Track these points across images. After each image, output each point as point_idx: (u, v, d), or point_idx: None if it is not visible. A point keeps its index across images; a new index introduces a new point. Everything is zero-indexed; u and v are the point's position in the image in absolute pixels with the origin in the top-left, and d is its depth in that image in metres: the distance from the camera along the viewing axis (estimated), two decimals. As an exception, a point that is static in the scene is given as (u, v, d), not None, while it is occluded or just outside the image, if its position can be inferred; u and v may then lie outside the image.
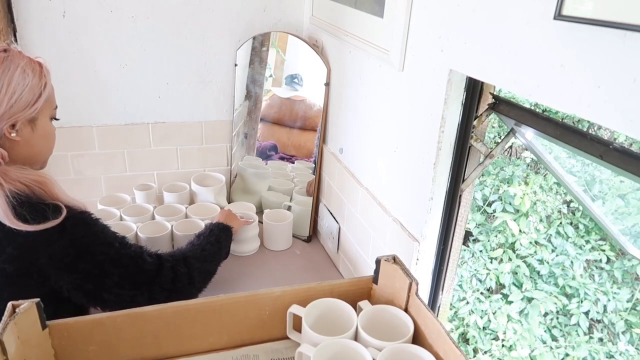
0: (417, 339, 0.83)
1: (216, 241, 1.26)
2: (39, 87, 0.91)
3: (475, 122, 0.97)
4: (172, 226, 1.53)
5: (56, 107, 0.99)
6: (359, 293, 0.93)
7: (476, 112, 0.97)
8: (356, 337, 0.84)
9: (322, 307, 0.88)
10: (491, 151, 0.99)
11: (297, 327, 0.89)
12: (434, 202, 1.02)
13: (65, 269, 0.92)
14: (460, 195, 1.03)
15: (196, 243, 1.23)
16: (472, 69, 0.84)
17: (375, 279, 0.92)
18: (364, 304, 0.90)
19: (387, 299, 0.91)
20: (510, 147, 3.67)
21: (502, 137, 0.98)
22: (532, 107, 0.97)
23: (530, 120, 0.86)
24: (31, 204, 0.87)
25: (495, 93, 0.96)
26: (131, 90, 1.65)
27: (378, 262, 0.90)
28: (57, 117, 1.00)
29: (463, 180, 1.02)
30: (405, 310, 0.87)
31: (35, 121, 0.94)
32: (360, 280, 0.94)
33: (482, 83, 0.94)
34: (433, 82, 0.96)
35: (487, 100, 0.97)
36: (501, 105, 0.95)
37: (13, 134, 0.90)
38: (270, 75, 1.88)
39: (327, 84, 1.56)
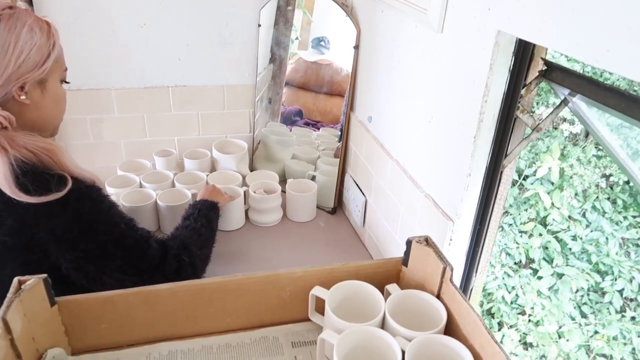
0: (450, 329, 0.76)
1: (208, 222, 1.20)
2: (47, 47, 0.86)
3: (522, 91, 0.87)
4: (192, 195, 1.48)
5: (66, 69, 0.94)
6: (387, 275, 0.86)
7: (525, 79, 0.86)
8: (383, 324, 0.78)
9: (347, 289, 0.82)
10: (539, 124, 0.89)
11: (320, 309, 0.84)
12: (472, 178, 0.93)
13: (66, 246, 0.87)
14: (502, 172, 0.94)
15: (190, 227, 1.15)
16: (525, 30, 0.74)
17: (405, 261, 0.85)
18: (392, 287, 0.83)
19: (417, 283, 0.84)
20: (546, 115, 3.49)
21: (554, 108, 0.88)
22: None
23: (589, 90, 0.76)
24: (35, 174, 0.82)
25: (547, 58, 0.85)
26: (150, 51, 1.58)
27: (409, 243, 0.83)
28: (67, 80, 0.94)
29: (505, 156, 0.92)
30: (438, 296, 0.80)
31: (45, 83, 0.88)
32: (388, 262, 0.87)
33: (534, 47, 0.83)
34: (477, 45, 0.85)
35: (537, 66, 0.86)
36: (554, 73, 0.84)
37: (22, 97, 0.85)
38: (297, 38, 1.78)
39: (357, 47, 1.46)
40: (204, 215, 1.20)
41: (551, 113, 0.88)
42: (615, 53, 0.57)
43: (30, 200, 0.81)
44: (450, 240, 0.99)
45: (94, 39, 1.52)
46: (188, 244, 1.07)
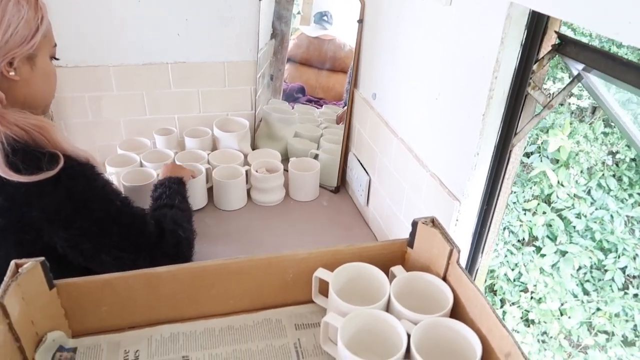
0: (456, 312, 0.75)
1: (183, 198, 1.18)
2: (35, 21, 0.83)
3: (534, 67, 0.83)
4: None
5: (55, 45, 0.91)
6: (392, 257, 0.84)
7: (537, 54, 0.82)
8: (388, 307, 0.76)
9: (351, 272, 0.80)
10: (550, 100, 0.86)
11: (323, 292, 0.82)
12: (480, 157, 0.90)
13: (60, 225, 0.86)
14: (511, 151, 0.91)
15: (169, 204, 1.12)
16: (539, 2, 0.70)
17: (410, 242, 0.83)
18: (397, 269, 0.81)
19: (423, 265, 0.82)
20: (554, 92, 3.44)
21: (566, 84, 0.85)
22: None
23: (605, 65, 0.72)
24: (26, 152, 0.80)
25: (561, 32, 0.81)
26: (148, 26, 1.54)
27: (415, 224, 0.81)
28: (56, 57, 0.91)
29: (515, 134, 0.89)
30: (444, 278, 0.78)
31: (34, 59, 0.85)
32: (393, 244, 0.85)
33: (548, 19, 0.79)
34: (488, 18, 0.82)
35: (550, 40, 0.82)
36: (568, 47, 0.81)
37: (11, 73, 0.83)
38: (298, 12, 1.73)
39: (361, 21, 1.41)
40: (176, 192, 1.18)
41: (564, 89, 0.85)
42: (638, 24, 0.54)
43: (21, 179, 0.79)
44: (457, 220, 0.97)
45: (91, 14, 1.48)
46: (177, 219, 1.06)
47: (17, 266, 0.68)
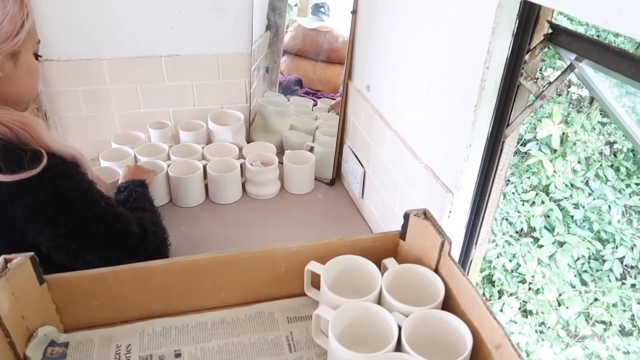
0: (448, 304, 0.75)
1: (149, 201, 1.18)
2: (20, 17, 0.81)
3: (526, 57, 0.83)
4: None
5: (39, 41, 0.90)
6: (384, 250, 0.84)
7: (529, 44, 0.82)
8: (380, 299, 0.76)
9: (343, 265, 0.80)
10: (543, 91, 0.85)
11: (315, 285, 0.82)
12: (473, 149, 0.90)
13: (46, 223, 0.85)
14: (503, 142, 0.91)
15: (141, 207, 1.12)
16: (530, -9, 0.69)
17: (402, 234, 0.83)
18: (389, 262, 0.81)
19: (415, 257, 0.82)
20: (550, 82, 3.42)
21: (559, 74, 0.84)
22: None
23: (598, 55, 0.72)
24: (7, 150, 0.79)
25: (553, 21, 0.81)
26: (141, 18, 1.53)
27: (406, 216, 0.80)
28: (39, 54, 0.90)
29: (507, 125, 0.89)
30: (436, 271, 0.78)
31: (18, 55, 0.84)
32: (385, 236, 0.85)
33: (540, 9, 0.78)
34: (479, 7, 0.81)
35: (542, 30, 0.82)
36: (560, 36, 0.80)
37: None
38: (296, 4, 1.72)
39: (354, 12, 1.40)
40: (143, 195, 1.18)
41: (556, 79, 0.85)
42: (629, 13, 0.53)
43: (3, 178, 0.78)
44: (450, 212, 0.97)
45: (83, 6, 1.47)
46: (154, 221, 1.07)
47: (6, 261, 0.67)
